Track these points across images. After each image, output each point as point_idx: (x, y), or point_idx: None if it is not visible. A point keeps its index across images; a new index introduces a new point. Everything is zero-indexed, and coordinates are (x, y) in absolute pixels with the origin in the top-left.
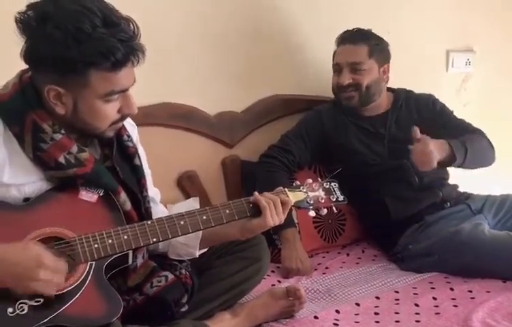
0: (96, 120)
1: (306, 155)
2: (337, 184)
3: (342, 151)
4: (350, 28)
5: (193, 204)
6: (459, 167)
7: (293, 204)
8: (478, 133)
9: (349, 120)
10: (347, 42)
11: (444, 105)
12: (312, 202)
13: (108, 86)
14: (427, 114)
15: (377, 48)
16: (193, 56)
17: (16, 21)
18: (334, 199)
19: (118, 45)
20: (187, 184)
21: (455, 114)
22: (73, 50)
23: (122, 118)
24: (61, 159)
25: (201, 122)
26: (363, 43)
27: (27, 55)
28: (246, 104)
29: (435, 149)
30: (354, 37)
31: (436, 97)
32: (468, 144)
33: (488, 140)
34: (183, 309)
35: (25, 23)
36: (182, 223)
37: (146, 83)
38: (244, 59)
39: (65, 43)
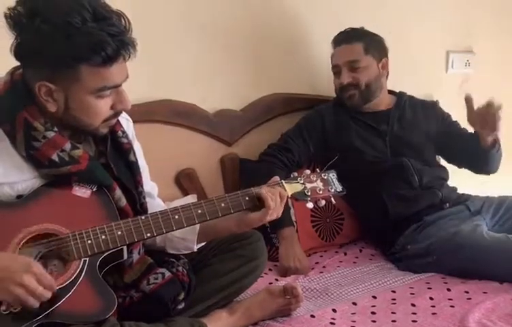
0: (88, 116)
1: (305, 155)
2: (335, 175)
3: (343, 151)
4: (343, 30)
5: (191, 201)
6: (489, 151)
7: (289, 195)
8: None
9: (351, 117)
10: (342, 43)
11: (449, 114)
12: (309, 194)
13: (100, 81)
14: (437, 122)
15: (372, 44)
16: (193, 54)
17: (6, 17)
18: (333, 190)
19: (109, 39)
20: (186, 181)
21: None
22: (62, 44)
23: (116, 114)
24: (54, 157)
25: (201, 120)
26: (357, 41)
27: (17, 51)
28: (245, 102)
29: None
30: (348, 37)
31: (439, 105)
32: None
33: None
34: (180, 307)
35: (15, 19)
36: (176, 217)
37: (146, 80)
38: (244, 57)
39: (54, 38)
